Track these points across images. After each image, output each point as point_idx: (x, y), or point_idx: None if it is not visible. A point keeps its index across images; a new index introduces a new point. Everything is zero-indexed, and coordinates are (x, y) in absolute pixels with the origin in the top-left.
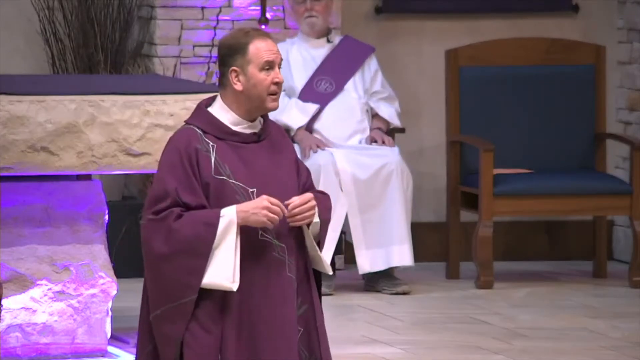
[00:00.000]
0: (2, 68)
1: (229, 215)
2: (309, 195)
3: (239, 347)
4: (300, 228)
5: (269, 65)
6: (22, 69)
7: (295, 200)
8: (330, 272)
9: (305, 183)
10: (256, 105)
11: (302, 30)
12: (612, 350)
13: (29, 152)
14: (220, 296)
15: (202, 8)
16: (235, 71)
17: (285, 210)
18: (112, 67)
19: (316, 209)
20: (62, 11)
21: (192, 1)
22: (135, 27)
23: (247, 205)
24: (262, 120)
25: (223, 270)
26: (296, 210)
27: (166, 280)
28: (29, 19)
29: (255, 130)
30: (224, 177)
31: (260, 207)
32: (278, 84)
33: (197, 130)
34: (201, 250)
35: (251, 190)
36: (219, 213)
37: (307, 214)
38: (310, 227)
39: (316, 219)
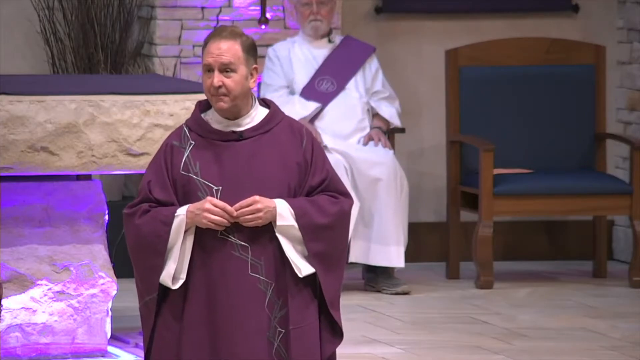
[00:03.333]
0: (2, 68)
1: (181, 215)
2: (252, 198)
3: (199, 345)
4: (268, 229)
5: (208, 68)
6: (22, 69)
7: (241, 202)
8: (300, 275)
9: (315, 186)
10: (211, 103)
11: (304, 32)
12: (612, 350)
13: (29, 152)
14: (182, 294)
15: (202, 8)
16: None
17: (233, 212)
18: (112, 67)
19: (290, 212)
20: (62, 11)
21: (192, 1)
22: (135, 27)
23: (194, 206)
24: (259, 117)
25: (169, 269)
26: (237, 213)
27: (137, 276)
28: (29, 18)
29: (235, 129)
30: (191, 175)
31: (202, 209)
32: (218, 88)
33: (185, 127)
34: (158, 249)
35: (216, 188)
36: (175, 212)
37: (249, 216)
38: (280, 229)
39: (291, 222)
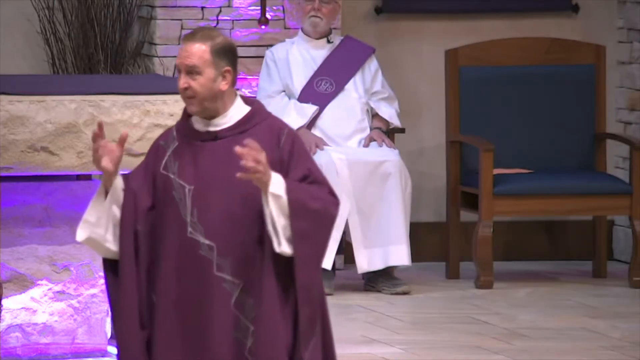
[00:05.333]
0: (2, 68)
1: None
2: (263, 152)
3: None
4: (238, 230)
5: (178, 69)
6: (22, 69)
7: (252, 146)
8: (278, 249)
9: (297, 179)
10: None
11: (303, 29)
12: (612, 350)
13: (29, 152)
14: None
15: (202, 8)
16: None
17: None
18: (112, 67)
19: (283, 185)
20: (62, 11)
21: (192, 1)
22: (135, 27)
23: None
24: (237, 117)
25: (90, 215)
26: (244, 150)
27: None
28: (29, 18)
29: (210, 129)
30: (169, 174)
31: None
32: (184, 90)
33: (174, 129)
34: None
35: (188, 187)
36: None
37: (253, 164)
38: (270, 196)
39: (281, 193)
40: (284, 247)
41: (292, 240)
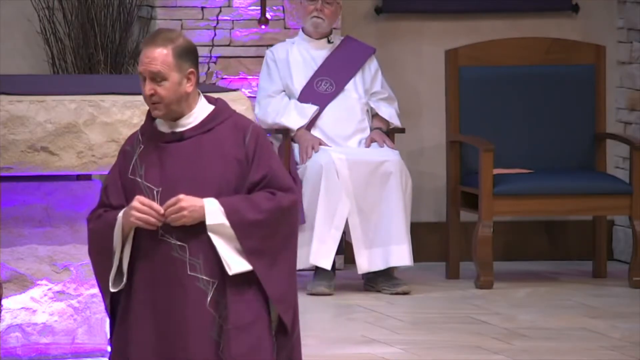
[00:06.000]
0: (2, 68)
1: (120, 217)
2: (176, 197)
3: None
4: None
5: (142, 77)
6: (22, 69)
7: (167, 202)
8: (230, 273)
9: (256, 182)
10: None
11: (304, 29)
12: (612, 350)
13: (29, 152)
14: (127, 295)
15: (202, 8)
16: None
17: (160, 210)
18: (112, 67)
19: (220, 210)
20: (62, 11)
21: (192, 1)
22: (135, 27)
23: (127, 207)
24: (201, 117)
25: (112, 271)
26: (166, 212)
27: (96, 278)
28: (28, 18)
29: (175, 130)
30: (136, 178)
31: (130, 208)
32: (150, 96)
33: (139, 132)
34: (106, 253)
35: (156, 190)
36: (117, 215)
37: (174, 215)
38: (211, 228)
39: (222, 221)
40: (235, 269)
41: (248, 259)
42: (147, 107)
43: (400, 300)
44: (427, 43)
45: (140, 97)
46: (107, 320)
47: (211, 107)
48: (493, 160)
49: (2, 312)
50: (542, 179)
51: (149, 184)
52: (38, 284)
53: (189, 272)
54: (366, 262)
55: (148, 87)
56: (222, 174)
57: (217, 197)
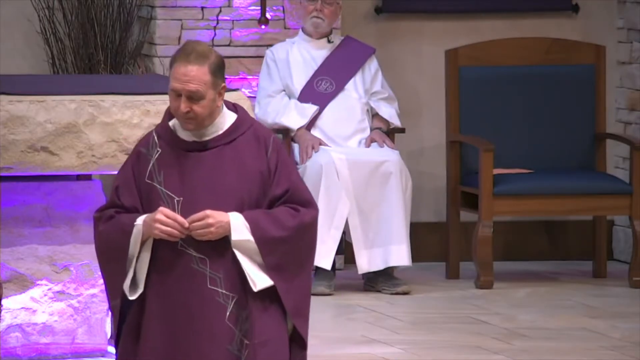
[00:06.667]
0: (2, 68)
1: (139, 224)
2: (204, 212)
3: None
4: (229, 242)
5: (176, 93)
6: (22, 69)
7: (193, 216)
8: (255, 289)
9: (278, 196)
10: (178, 120)
11: (304, 29)
12: (612, 350)
13: (29, 152)
14: (141, 304)
15: (202, 8)
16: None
17: (185, 223)
18: (112, 67)
19: (245, 226)
20: (62, 11)
21: (192, 1)
22: (135, 27)
23: (149, 216)
24: (225, 126)
25: (127, 278)
26: (191, 227)
27: (103, 280)
28: (28, 18)
29: (198, 139)
30: (154, 184)
31: (154, 220)
32: (186, 113)
33: (154, 134)
34: (120, 256)
35: (177, 199)
36: (134, 221)
37: (200, 231)
38: (235, 244)
39: (247, 237)
40: (260, 285)
41: (269, 274)
42: (146, 108)
43: (400, 300)
44: (427, 43)
45: (140, 97)
46: (107, 320)
47: (233, 116)
48: (493, 160)
49: (2, 312)
50: (542, 179)
51: (168, 192)
52: (38, 284)
53: (208, 286)
54: (366, 262)
55: (184, 105)
56: (243, 186)
57: (238, 209)
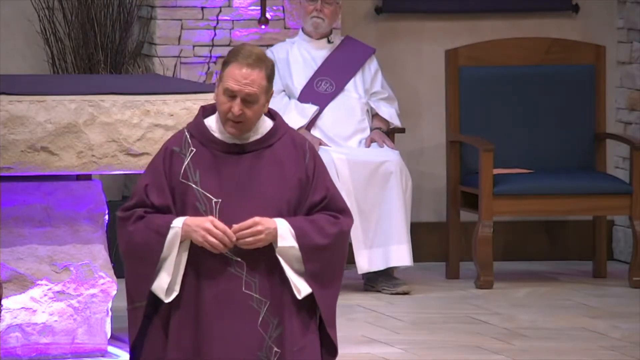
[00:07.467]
0: (2, 68)
1: (176, 227)
2: (253, 220)
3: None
4: (266, 247)
5: (230, 94)
6: (22, 69)
7: (241, 224)
8: (299, 297)
9: (316, 203)
10: (221, 121)
11: (304, 29)
12: (612, 350)
13: (29, 152)
14: (171, 306)
15: (202, 8)
16: (219, 79)
17: (233, 237)
18: (112, 67)
19: (291, 233)
20: (62, 11)
21: (192, 1)
22: (135, 27)
23: (193, 221)
24: (264, 131)
25: (161, 281)
26: (238, 235)
27: (128, 280)
28: (28, 19)
29: (237, 142)
30: (190, 183)
31: (201, 227)
32: (238, 116)
33: (186, 133)
34: (150, 258)
35: (215, 200)
36: (171, 223)
37: (249, 239)
38: (280, 250)
39: (292, 243)
40: (304, 292)
41: (308, 281)
42: (146, 108)
43: (400, 300)
44: (427, 43)
45: (140, 97)
46: (107, 320)
47: (270, 121)
48: (493, 160)
49: (2, 312)
50: (542, 179)
51: (206, 193)
52: (38, 284)
53: (243, 290)
54: (366, 262)
55: (237, 107)
56: (283, 192)
57: (277, 215)
